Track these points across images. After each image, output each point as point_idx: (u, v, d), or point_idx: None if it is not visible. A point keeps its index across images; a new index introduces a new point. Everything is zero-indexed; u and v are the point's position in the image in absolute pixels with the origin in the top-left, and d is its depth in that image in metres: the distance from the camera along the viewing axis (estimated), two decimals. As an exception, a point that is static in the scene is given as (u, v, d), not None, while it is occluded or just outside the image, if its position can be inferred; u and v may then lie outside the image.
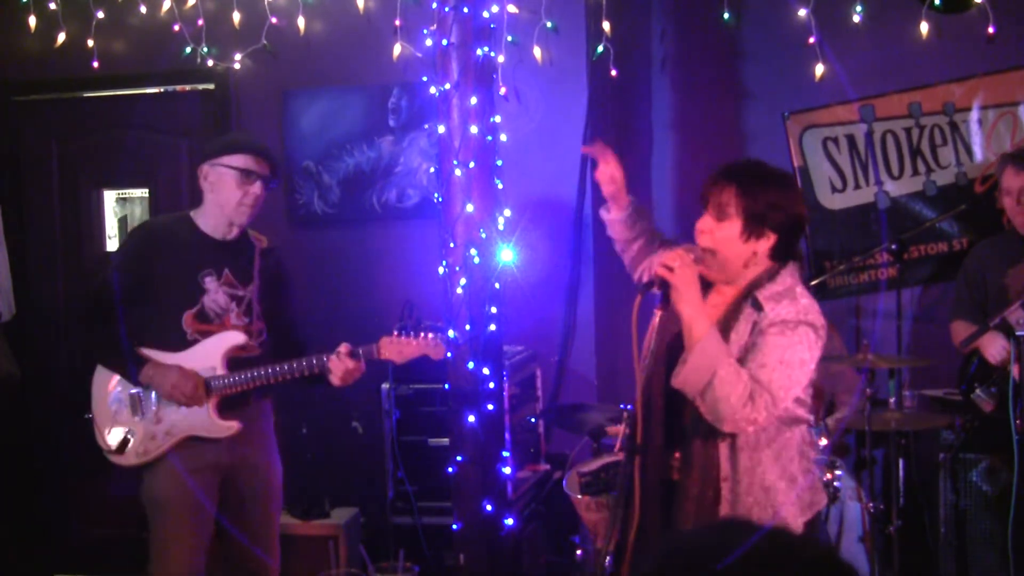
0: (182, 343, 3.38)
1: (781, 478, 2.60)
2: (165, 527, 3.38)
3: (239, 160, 3.39)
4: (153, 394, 3.37)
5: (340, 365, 3.33)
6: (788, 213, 2.58)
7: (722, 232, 2.56)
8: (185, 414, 3.36)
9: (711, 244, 2.57)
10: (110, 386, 3.45)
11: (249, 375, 3.36)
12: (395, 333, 3.36)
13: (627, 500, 2.53)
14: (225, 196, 3.40)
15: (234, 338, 3.40)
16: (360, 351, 3.35)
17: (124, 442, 3.39)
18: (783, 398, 2.51)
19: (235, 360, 3.39)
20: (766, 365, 2.49)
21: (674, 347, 2.61)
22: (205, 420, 3.36)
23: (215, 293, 3.41)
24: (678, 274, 2.47)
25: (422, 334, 3.36)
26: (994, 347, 3.96)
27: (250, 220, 3.46)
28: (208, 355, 3.37)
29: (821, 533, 3.96)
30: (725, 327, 2.57)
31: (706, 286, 2.64)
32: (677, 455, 2.63)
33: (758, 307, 2.54)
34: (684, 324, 2.49)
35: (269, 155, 3.49)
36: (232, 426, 3.38)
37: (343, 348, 3.36)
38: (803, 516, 2.65)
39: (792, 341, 2.50)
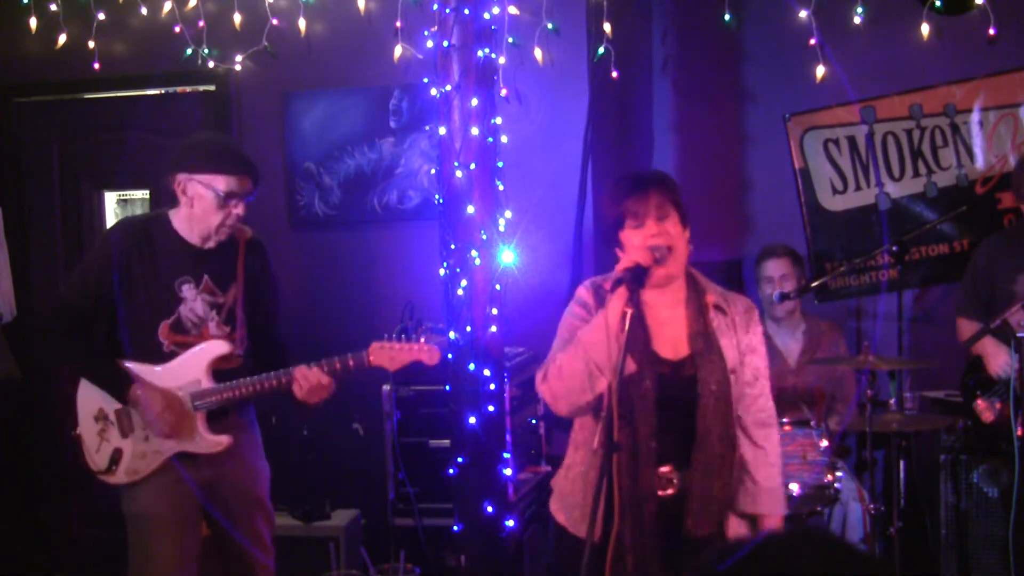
0: (158, 355, 3.22)
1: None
2: (146, 541, 3.25)
3: (222, 183, 3.18)
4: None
5: (310, 376, 3.18)
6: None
7: (671, 228, 2.68)
8: (174, 429, 3.22)
9: (668, 241, 2.66)
10: (95, 403, 3.29)
11: (234, 389, 3.22)
12: (386, 337, 3.21)
13: (607, 497, 2.53)
14: (204, 215, 3.21)
15: (218, 348, 3.24)
16: (349, 359, 3.20)
17: (113, 461, 3.26)
18: None
19: (219, 371, 3.25)
20: (760, 377, 2.81)
21: (660, 365, 2.70)
22: (195, 436, 3.23)
23: (193, 302, 3.24)
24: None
25: (418, 338, 3.20)
26: (997, 361, 3.97)
27: (230, 236, 3.28)
28: (192, 366, 3.22)
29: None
30: (713, 338, 2.72)
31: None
32: (666, 468, 2.68)
33: (722, 311, 2.75)
34: None
35: (253, 169, 3.28)
36: (222, 441, 3.24)
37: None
38: None
39: (764, 345, 2.83)
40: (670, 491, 2.68)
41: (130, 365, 3.22)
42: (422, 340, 3.21)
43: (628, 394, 2.62)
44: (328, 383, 3.21)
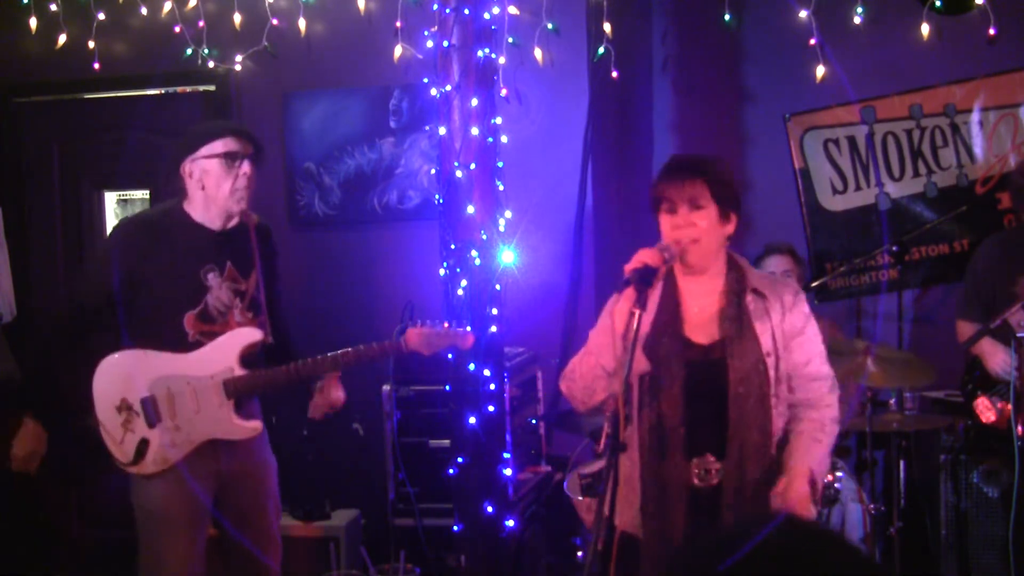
0: (182, 345, 3.19)
1: None
2: (159, 538, 3.23)
3: (219, 145, 3.22)
4: (169, 399, 3.18)
5: (331, 395, 3.35)
6: (738, 194, 2.77)
7: (702, 221, 2.65)
8: (206, 417, 3.19)
9: (695, 234, 2.65)
10: (117, 393, 3.22)
11: (268, 375, 3.23)
12: (419, 323, 3.25)
13: (612, 498, 2.53)
14: (216, 187, 3.21)
15: (250, 335, 3.23)
16: (387, 345, 3.23)
17: (139, 453, 3.19)
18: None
19: (247, 358, 3.23)
20: (812, 359, 2.73)
21: (689, 350, 2.67)
22: (227, 423, 3.20)
23: (218, 290, 3.23)
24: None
25: (447, 323, 3.28)
26: (995, 359, 3.97)
27: (248, 205, 3.28)
28: (224, 354, 3.19)
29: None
30: (747, 321, 2.67)
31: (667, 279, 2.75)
32: (711, 458, 2.64)
33: (761, 296, 2.70)
34: None
35: (248, 132, 3.31)
36: (257, 426, 3.24)
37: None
38: None
39: (815, 327, 2.75)
40: (714, 481, 2.64)
41: (155, 353, 3.20)
42: (446, 324, 3.27)
43: (657, 383, 2.62)
44: (341, 402, 3.34)
